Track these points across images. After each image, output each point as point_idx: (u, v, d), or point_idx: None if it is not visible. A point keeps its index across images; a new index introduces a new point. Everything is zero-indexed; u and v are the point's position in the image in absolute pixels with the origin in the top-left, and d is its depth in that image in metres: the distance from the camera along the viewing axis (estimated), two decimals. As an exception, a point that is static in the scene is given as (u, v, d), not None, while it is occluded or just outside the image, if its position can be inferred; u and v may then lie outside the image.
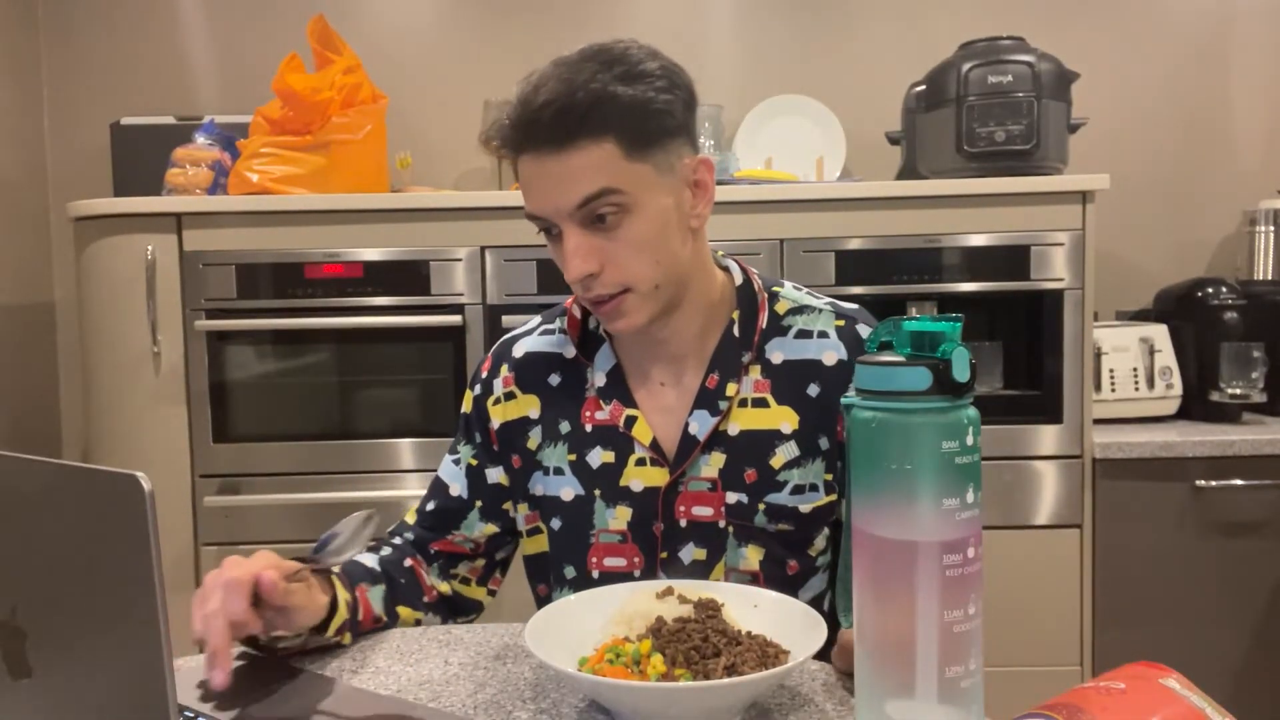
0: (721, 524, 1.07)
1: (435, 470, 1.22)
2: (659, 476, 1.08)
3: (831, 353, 1.09)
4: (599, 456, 1.10)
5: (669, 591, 0.92)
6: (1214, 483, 2.11)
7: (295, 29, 2.37)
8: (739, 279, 1.13)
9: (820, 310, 1.12)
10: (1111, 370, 2.28)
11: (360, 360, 2.15)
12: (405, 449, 2.14)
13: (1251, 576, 2.14)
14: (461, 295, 2.12)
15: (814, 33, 2.67)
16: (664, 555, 1.09)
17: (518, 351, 1.18)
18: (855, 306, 1.15)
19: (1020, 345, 2.22)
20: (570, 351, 1.15)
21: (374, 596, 1.08)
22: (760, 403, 1.08)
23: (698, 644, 0.83)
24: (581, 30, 2.66)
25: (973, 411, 0.68)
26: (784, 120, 2.56)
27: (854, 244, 2.11)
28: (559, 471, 1.13)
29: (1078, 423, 2.10)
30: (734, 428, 1.08)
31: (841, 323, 1.11)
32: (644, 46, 1.04)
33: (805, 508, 1.07)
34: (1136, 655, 0.76)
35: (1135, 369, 2.29)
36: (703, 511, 1.07)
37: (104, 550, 0.60)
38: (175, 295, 2.10)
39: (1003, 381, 2.22)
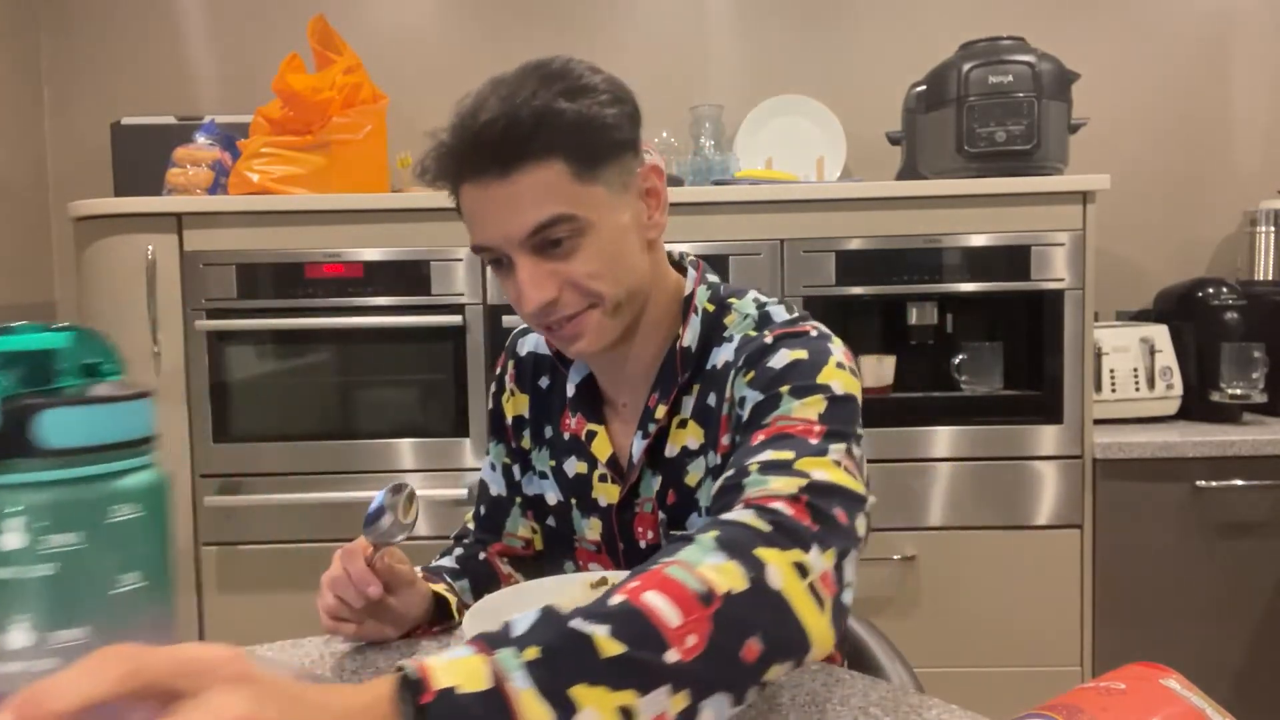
0: (660, 546, 1.05)
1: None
2: (614, 493, 1.07)
3: (725, 357, 1.01)
4: (573, 466, 1.11)
5: (603, 581, 0.95)
6: (1214, 483, 2.11)
7: (295, 29, 2.37)
8: (688, 289, 1.05)
9: (746, 316, 1.03)
10: (1112, 370, 2.28)
11: (360, 360, 2.15)
12: (405, 449, 2.14)
13: (1251, 576, 2.14)
14: (461, 295, 2.12)
15: (814, 33, 2.67)
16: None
17: (521, 349, 1.19)
18: (788, 318, 1.01)
19: (1021, 345, 2.22)
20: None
21: (463, 590, 1.11)
22: (685, 421, 1.03)
23: None
24: (582, 30, 2.67)
25: (77, 493, 0.48)
26: (784, 120, 2.56)
27: (854, 244, 2.11)
28: (544, 475, 1.14)
29: (1078, 423, 2.10)
30: (671, 448, 1.03)
31: (754, 332, 1.00)
32: (583, 61, 0.97)
33: (691, 530, 1.03)
34: (1136, 655, 0.76)
35: (1136, 369, 2.29)
36: (650, 534, 1.06)
37: (102, 550, 0.60)
38: (175, 295, 2.10)
39: (1003, 382, 2.22)
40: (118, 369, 0.59)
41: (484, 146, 0.90)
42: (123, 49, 2.69)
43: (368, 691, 0.54)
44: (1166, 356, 2.30)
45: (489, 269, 0.99)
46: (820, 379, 0.90)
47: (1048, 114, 2.08)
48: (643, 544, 1.06)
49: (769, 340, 0.95)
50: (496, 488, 1.20)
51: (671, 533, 1.00)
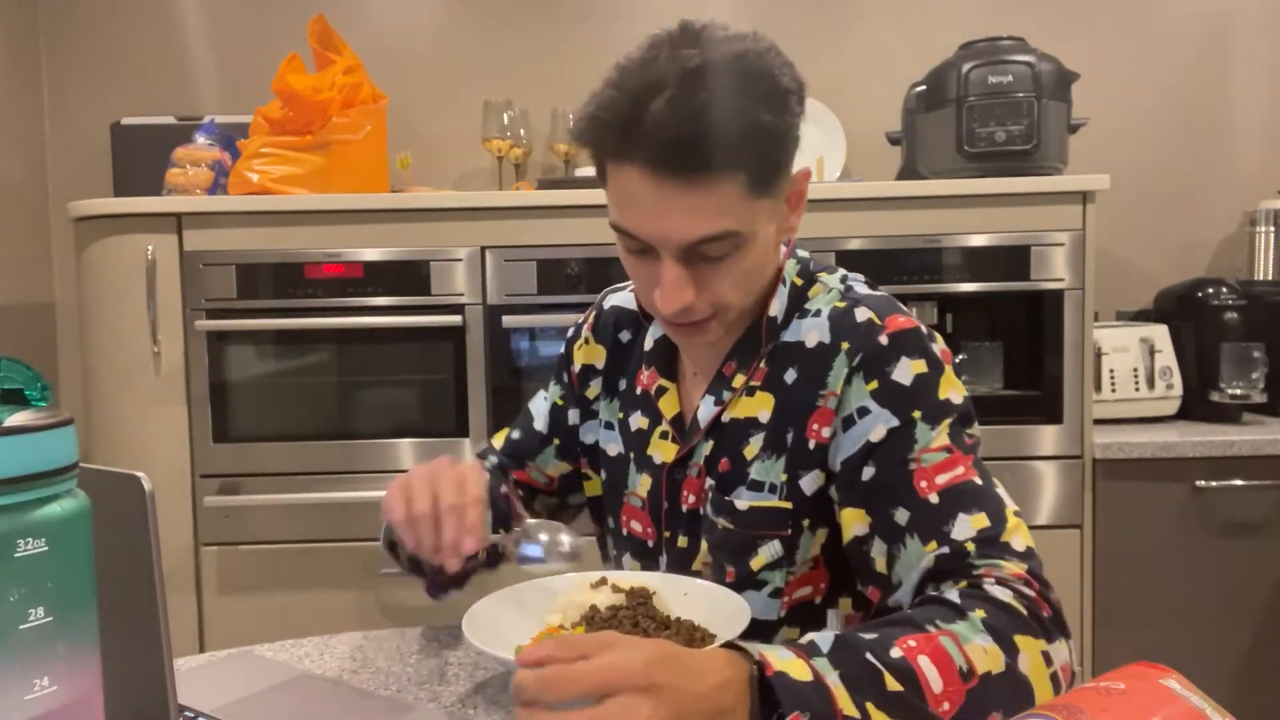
0: (700, 511, 1.04)
1: None
2: (671, 452, 1.07)
3: (815, 334, 0.98)
4: (637, 420, 1.11)
5: (603, 582, 0.97)
6: (1214, 483, 2.11)
7: (295, 29, 2.37)
8: (782, 262, 1.05)
9: (830, 289, 1.02)
10: (1112, 370, 2.28)
11: (360, 360, 2.15)
12: (405, 449, 2.14)
13: (1251, 576, 2.14)
14: (461, 295, 2.12)
15: (814, 33, 2.67)
16: (666, 534, 1.08)
17: (607, 303, 1.20)
18: (876, 294, 1.02)
19: (1020, 345, 2.22)
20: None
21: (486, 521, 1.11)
22: (753, 390, 1.01)
23: (628, 630, 0.87)
24: (582, 31, 2.67)
25: None
26: (784, 120, 2.55)
27: (854, 244, 2.11)
28: (609, 426, 1.15)
29: (1078, 423, 2.10)
30: (728, 415, 1.02)
31: (842, 305, 0.99)
32: (769, 44, 0.91)
33: (742, 504, 0.99)
34: (1136, 655, 0.76)
35: (1135, 369, 2.29)
36: (692, 499, 1.05)
37: (104, 550, 0.60)
38: (175, 295, 2.10)
39: (1003, 382, 2.22)
40: (44, 396, 0.59)
41: (669, 143, 0.84)
42: (123, 49, 2.69)
43: (729, 669, 0.69)
44: (1166, 356, 2.30)
45: (621, 247, 0.96)
46: (941, 394, 0.93)
47: (1048, 114, 2.08)
48: (684, 508, 1.06)
49: (885, 340, 0.94)
50: (542, 424, 1.21)
51: (928, 592, 0.86)
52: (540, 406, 1.22)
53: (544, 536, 0.99)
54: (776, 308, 1.02)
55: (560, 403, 1.20)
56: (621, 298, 1.19)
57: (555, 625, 0.91)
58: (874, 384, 0.93)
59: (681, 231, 0.88)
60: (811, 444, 0.96)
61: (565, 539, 0.99)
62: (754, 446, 1.00)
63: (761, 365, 1.02)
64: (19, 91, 2.62)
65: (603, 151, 0.90)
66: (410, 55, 2.68)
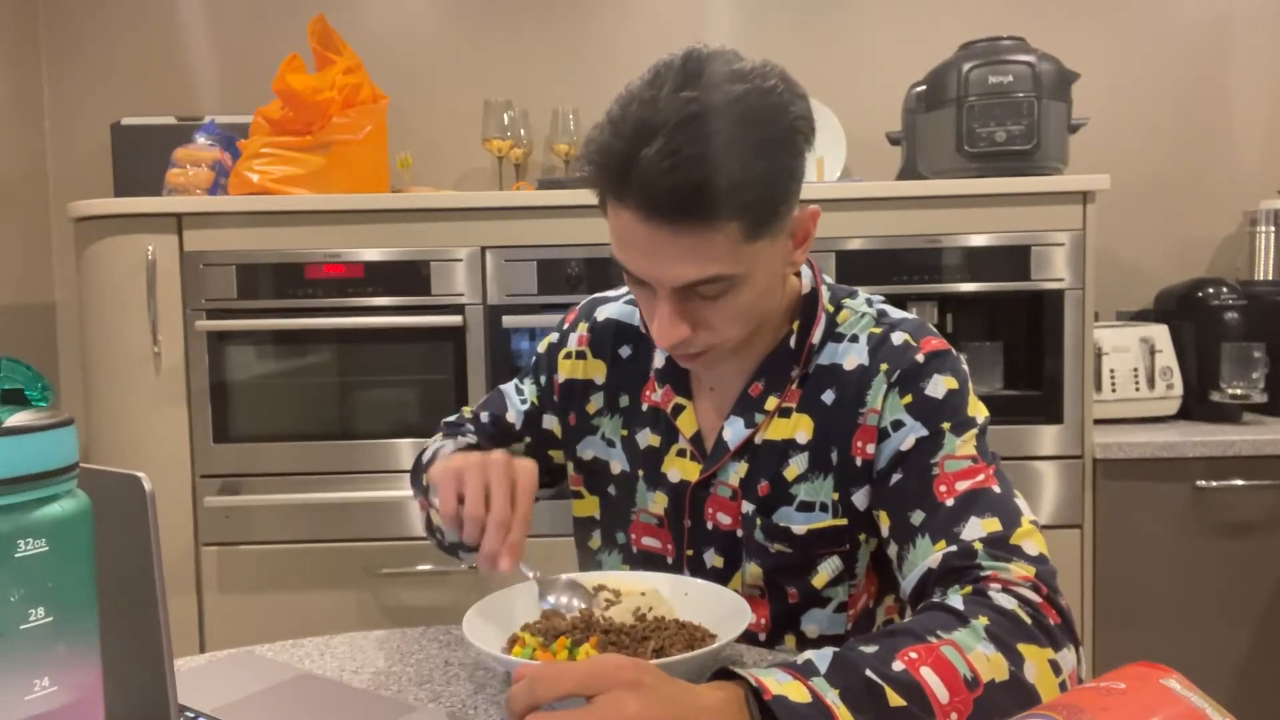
0: (738, 534, 1.04)
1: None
2: (693, 471, 1.06)
3: (854, 357, 1.01)
4: (646, 438, 1.10)
5: (600, 588, 0.97)
6: (1214, 483, 2.11)
7: (295, 29, 2.37)
8: (806, 287, 1.05)
9: (863, 315, 1.04)
10: (1112, 370, 2.28)
11: (360, 360, 2.15)
12: (405, 449, 2.14)
13: (1251, 576, 2.14)
14: (462, 295, 2.12)
15: (814, 33, 2.67)
16: (690, 552, 1.08)
17: (600, 315, 1.17)
18: (909, 318, 1.04)
19: (1021, 345, 2.22)
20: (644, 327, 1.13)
21: None
22: (786, 412, 1.03)
23: (628, 629, 0.87)
24: (581, 31, 2.67)
25: None
26: (784, 120, 2.55)
27: (854, 244, 2.11)
28: (611, 443, 1.13)
29: (1078, 423, 2.10)
30: (760, 437, 1.03)
31: (879, 330, 1.01)
32: (776, 80, 0.89)
33: (800, 528, 1.00)
34: (1136, 655, 0.77)
35: (1136, 369, 2.29)
36: (724, 519, 1.05)
37: (104, 550, 0.60)
38: (175, 295, 2.10)
39: (1003, 382, 2.22)
40: (44, 396, 0.59)
41: (660, 193, 0.84)
42: (123, 49, 2.69)
43: (720, 690, 0.69)
44: (1166, 356, 2.30)
45: (625, 275, 0.96)
46: (969, 411, 0.97)
47: (1048, 114, 2.08)
48: (710, 525, 1.06)
49: (920, 359, 0.98)
50: (514, 417, 1.19)
51: (933, 597, 0.87)
52: (514, 399, 1.20)
53: (565, 599, 0.95)
54: (818, 335, 1.03)
55: (536, 403, 1.18)
56: (616, 310, 1.17)
57: (524, 631, 0.91)
58: (908, 398, 0.96)
59: (674, 274, 0.89)
60: (859, 461, 0.99)
61: (579, 608, 0.94)
62: (795, 468, 1.02)
63: (794, 387, 1.03)
64: (19, 91, 2.62)
65: (601, 191, 0.91)
66: (410, 55, 2.68)
